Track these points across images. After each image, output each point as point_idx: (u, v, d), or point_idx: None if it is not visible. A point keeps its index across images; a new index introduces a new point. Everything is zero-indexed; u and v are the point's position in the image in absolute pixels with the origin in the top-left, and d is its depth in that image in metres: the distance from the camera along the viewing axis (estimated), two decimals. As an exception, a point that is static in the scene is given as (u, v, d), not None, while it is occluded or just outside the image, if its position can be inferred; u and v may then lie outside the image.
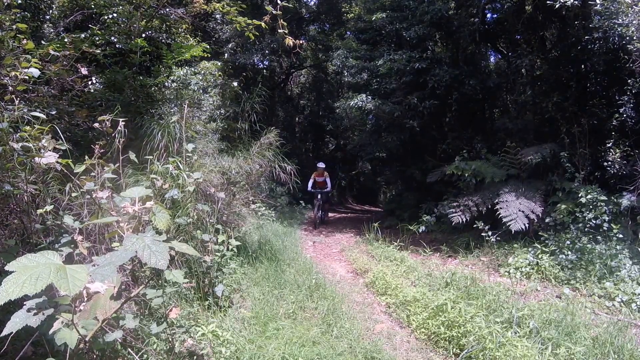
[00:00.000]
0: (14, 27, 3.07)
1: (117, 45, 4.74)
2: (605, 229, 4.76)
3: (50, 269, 1.26)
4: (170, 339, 2.36)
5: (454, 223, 6.33)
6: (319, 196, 9.76)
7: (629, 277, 4.13)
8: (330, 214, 14.12)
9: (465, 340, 2.87)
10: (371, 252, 6.23)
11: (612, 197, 5.00)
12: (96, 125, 2.55)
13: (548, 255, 4.91)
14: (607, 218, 4.81)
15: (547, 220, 5.42)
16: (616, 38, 5.13)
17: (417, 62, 8.48)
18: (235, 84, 7.12)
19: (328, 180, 10.07)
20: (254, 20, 4.23)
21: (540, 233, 5.35)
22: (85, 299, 1.55)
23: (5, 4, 3.39)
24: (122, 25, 4.79)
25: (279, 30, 3.70)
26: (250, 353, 2.56)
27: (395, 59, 8.57)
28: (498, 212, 5.65)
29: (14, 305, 1.48)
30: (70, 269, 1.28)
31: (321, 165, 10.11)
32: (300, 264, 4.91)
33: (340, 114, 12.61)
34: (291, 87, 19.55)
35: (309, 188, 9.81)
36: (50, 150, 2.14)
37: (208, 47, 5.51)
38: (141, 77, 4.83)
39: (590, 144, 5.94)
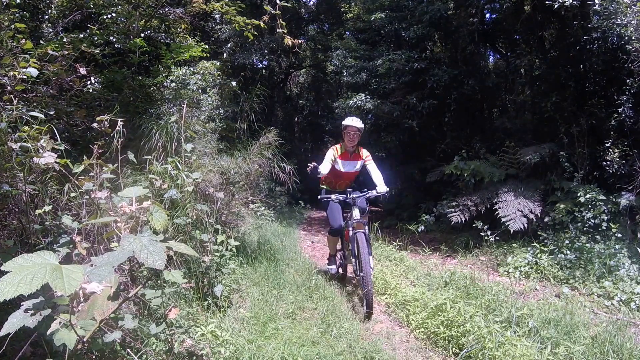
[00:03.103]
0: (13, 26, 3.06)
1: (116, 45, 4.73)
2: (604, 228, 4.77)
3: (45, 268, 1.26)
4: (169, 340, 2.36)
5: (453, 223, 6.34)
6: (356, 214, 3.92)
7: (628, 276, 4.14)
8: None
9: (465, 340, 2.87)
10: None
11: (611, 197, 5.01)
12: (95, 125, 2.55)
13: (547, 254, 4.91)
14: (605, 217, 4.82)
15: (546, 219, 5.43)
16: (615, 38, 5.15)
17: (416, 62, 8.48)
18: (234, 83, 7.11)
19: (372, 167, 4.23)
20: (252, 20, 4.22)
21: (539, 232, 5.35)
22: (82, 299, 1.55)
23: (4, 3, 3.38)
24: (121, 25, 4.78)
25: (278, 30, 3.70)
26: (250, 353, 2.56)
27: (394, 59, 8.58)
28: (497, 212, 5.66)
29: (13, 306, 1.48)
30: (66, 268, 1.28)
31: (356, 124, 4.14)
32: (299, 264, 4.91)
33: (339, 113, 12.58)
34: (290, 87, 19.55)
35: (324, 194, 4.22)
36: (48, 151, 2.13)
37: (207, 47, 5.51)
38: (140, 77, 4.82)
39: (589, 143, 5.96)
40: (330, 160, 4.16)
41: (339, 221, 4.08)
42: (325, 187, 4.44)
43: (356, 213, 3.91)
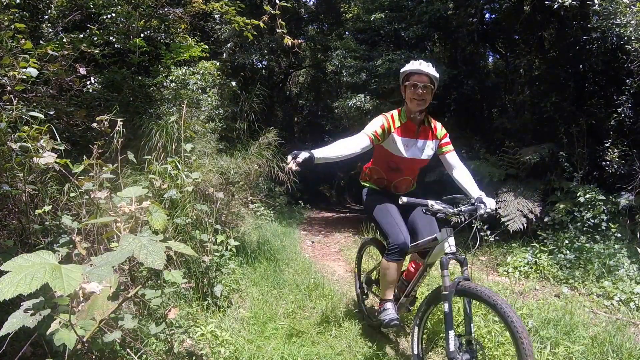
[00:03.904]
0: (13, 26, 3.07)
1: (115, 45, 4.74)
2: (604, 228, 4.77)
3: (45, 268, 1.26)
4: (169, 340, 2.36)
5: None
6: (452, 243, 2.24)
7: (627, 276, 4.15)
8: (328, 214, 14.06)
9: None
10: (370, 251, 6.22)
11: (611, 197, 5.02)
12: (94, 125, 2.55)
13: (547, 254, 4.92)
14: (605, 217, 4.83)
15: (545, 219, 5.44)
16: (614, 38, 5.15)
17: (415, 62, 8.48)
18: (234, 83, 7.12)
19: (455, 159, 2.64)
20: (252, 20, 4.23)
21: (538, 232, 5.36)
22: (82, 299, 1.55)
23: (4, 3, 3.39)
24: (120, 25, 4.78)
25: (278, 30, 3.70)
26: (249, 353, 2.56)
27: (393, 59, 8.57)
28: (496, 212, 5.67)
29: (13, 306, 1.48)
30: (65, 268, 1.28)
31: (427, 69, 2.41)
32: (299, 264, 4.92)
33: (339, 113, 12.60)
34: (290, 87, 19.55)
35: (370, 194, 2.83)
36: (48, 151, 2.13)
37: (207, 47, 5.51)
38: (140, 77, 4.82)
39: (589, 143, 5.97)
40: (371, 135, 2.39)
41: (404, 232, 2.49)
42: (369, 184, 2.87)
43: (452, 242, 2.24)
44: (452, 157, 2.66)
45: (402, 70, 2.54)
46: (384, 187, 2.81)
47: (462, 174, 2.60)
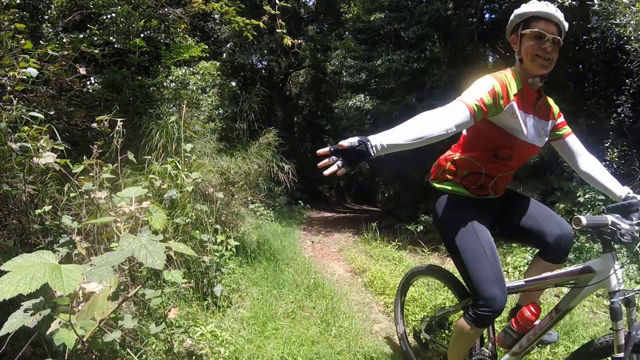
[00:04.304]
0: (13, 27, 3.07)
1: (115, 45, 4.74)
2: (603, 228, 4.78)
3: (45, 268, 1.26)
4: (169, 339, 2.36)
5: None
6: None
7: (627, 276, 4.15)
8: (328, 214, 14.09)
9: (464, 340, 2.87)
10: (369, 251, 6.24)
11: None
12: (94, 125, 2.55)
13: (546, 254, 4.92)
14: (605, 217, 4.84)
15: (545, 219, 5.44)
16: (614, 38, 5.17)
17: (415, 62, 8.50)
18: (234, 83, 7.12)
19: (578, 144, 1.90)
20: (252, 20, 4.24)
21: (538, 232, 5.36)
22: (82, 299, 1.55)
23: (4, 3, 3.39)
24: (120, 25, 4.79)
25: (278, 30, 3.71)
26: (249, 353, 2.56)
27: (393, 59, 8.59)
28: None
29: (13, 306, 1.49)
30: (65, 268, 1.28)
31: (555, 13, 1.60)
32: (299, 264, 4.92)
33: (338, 114, 12.61)
34: (290, 87, 19.57)
35: (450, 204, 1.85)
36: (48, 151, 2.14)
37: (207, 47, 5.52)
38: (140, 77, 4.83)
39: (589, 143, 5.96)
40: (474, 105, 1.52)
41: (503, 290, 1.67)
42: (452, 187, 1.93)
43: (620, 274, 1.59)
44: (573, 141, 1.87)
45: (517, 12, 1.68)
46: (479, 186, 1.84)
47: (593, 165, 1.83)
